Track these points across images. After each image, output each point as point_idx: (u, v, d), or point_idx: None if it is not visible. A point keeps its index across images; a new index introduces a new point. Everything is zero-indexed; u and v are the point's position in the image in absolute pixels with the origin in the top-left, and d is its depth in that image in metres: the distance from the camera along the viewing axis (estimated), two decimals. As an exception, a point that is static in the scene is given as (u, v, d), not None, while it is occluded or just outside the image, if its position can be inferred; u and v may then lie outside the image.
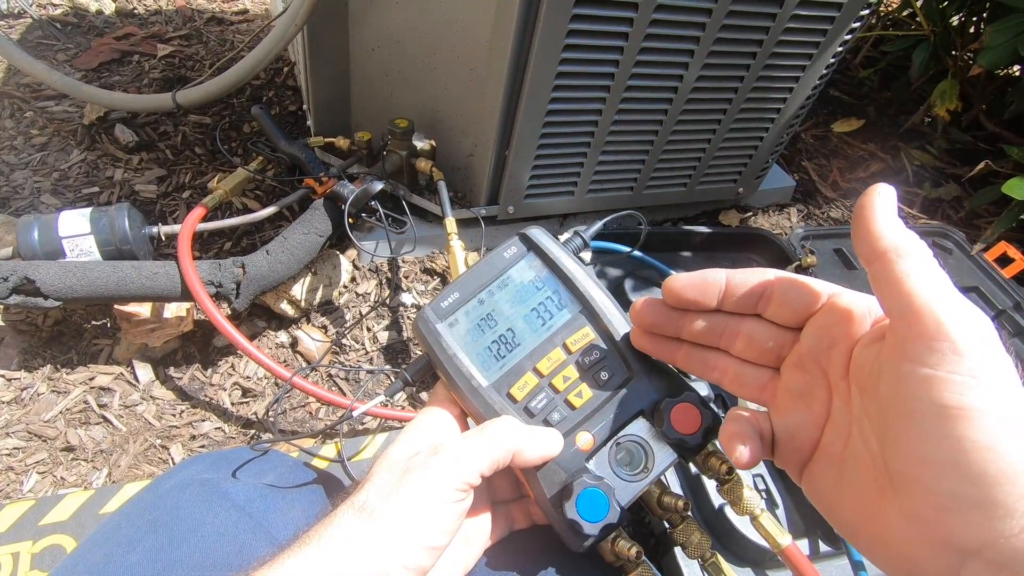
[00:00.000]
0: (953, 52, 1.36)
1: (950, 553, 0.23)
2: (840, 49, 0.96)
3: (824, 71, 0.99)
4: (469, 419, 0.38)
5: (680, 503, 0.36)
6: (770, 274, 0.31)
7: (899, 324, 0.24)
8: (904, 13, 1.54)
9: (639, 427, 0.36)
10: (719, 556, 0.38)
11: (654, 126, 0.95)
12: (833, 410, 0.29)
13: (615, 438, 0.36)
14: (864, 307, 0.28)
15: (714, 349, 0.33)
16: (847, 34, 0.93)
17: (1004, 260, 1.06)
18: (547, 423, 0.36)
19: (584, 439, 0.36)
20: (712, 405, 0.36)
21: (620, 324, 0.38)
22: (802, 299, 0.30)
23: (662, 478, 0.38)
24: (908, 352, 0.24)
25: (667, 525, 0.39)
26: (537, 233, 0.40)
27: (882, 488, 0.25)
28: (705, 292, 0.32)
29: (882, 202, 0.26)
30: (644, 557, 0.36)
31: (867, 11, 0.91)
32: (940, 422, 0.23)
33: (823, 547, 0.66)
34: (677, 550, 0.59)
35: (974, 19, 1.39)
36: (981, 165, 1.21)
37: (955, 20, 1.39)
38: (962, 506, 0.22)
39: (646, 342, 0.35)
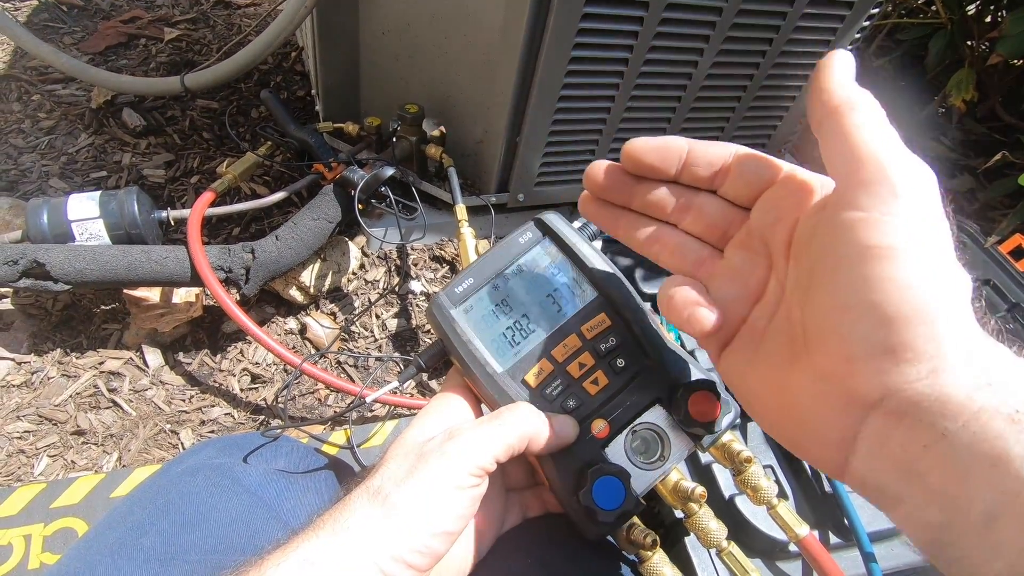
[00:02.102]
0: (970, 41, 1.34)
1: (853, 409, 0.23)
2: (857, 37, 0.94)
3: (840, 59, 0.97)
4: (483, 405, 0.38)
5: (697, 491, 0.36)
6: (732, 147, 0.30)
7: (844, 174, 0.24)
8: (920, 1, 1.51)
9: (655, 415, 0.36)
10: (735, 545, 0.37)
11: (667, 114, 0.94)
12: (768, 288, 0.29)
13: (631, 426, 0.36)
14: (818, 183, 0.28)
15: (659, 222, 0.32)
16: (864, 21, 0.91)
17: (1018, 253, 1.05)
18: (562, 410, 0.36)
19: (599, 426, 0.35)
20: (729, 393, 0.36)
21: (637, 311, 0.37)
22: (760, 172, 0.29)
23: (678, 466, 0.37)
24: (847, 199, 0.24)
25: (681, 515, 0.39)
26: (553, 218, 0.40)
27: (796, 355, 0.25)
28: (666, 158, 0.30)
29: (839, 64, 0.26)
30: (659, 545, 0.36)
31: (885, -3, 0.89)
32: (863, 262, 0.22)
33: (833, 539, 0.65)
34: (688, 540, 0.59)
35: (992, 7, 1.37)
36: (997, 156, 1.20)
37: (972, 9, 1.36)
38: (873, 352, 0.22)
39: (591, 208, 0.34)
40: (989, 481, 0.19)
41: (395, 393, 0.85)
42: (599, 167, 0.32)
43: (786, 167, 0.29)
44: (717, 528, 0.37)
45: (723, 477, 0.65)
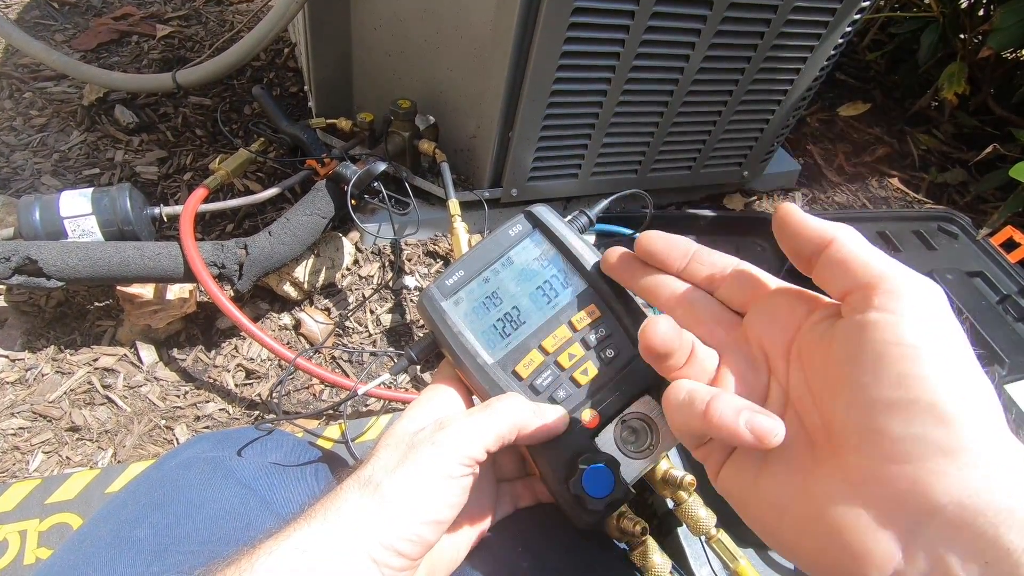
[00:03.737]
0: (962, 35, 1.35)
1: (903, 516, 0.21)
2: (848, 30, 0.95)
3: (831, 53, 0.98)
4: (474, 396, 0.38)
5: (687, 480, 0.36)
6: (732, 259, 0.32)
7: (855, 291, 0.25)
8: (913, -6, 1.51)
9: (645, 405, 0.36)
10: (724, 532, 0.38)
11: (659, 107, 0.94)
12: (770, 393, 0.28)
13: (621, 415, 0.36)
14: (811, 295, 0.29)
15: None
16: (856, 14, 0.92)
17: (1010, 245, 1.06)
18: (553, 400, 0.36)
19: (590, 416, 0.36)
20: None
21: (627, 302, 0.37)
22: (752, 281, 0.31)
23: (667, 456, 0.38)
24: (860, 305, 0.24)
25: (671, 503, 0.39)
26: (543, 211, 0.40)
27: (819, 460, 0.24)
28: (674, 250, 0.32)
29: (799, 209, 0.27)
30: (649, 534, 0.36)
31: (876, -10, 0.90)
32: (897, 361, 0.22)
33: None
34: (681, 529, 0.60)
35: (983, 0, 1.37)
36: (989, 149, 1.20)
37: (964, 2, 1.37)
38: (930, 452, 0.20)
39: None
40: None
41: (388, 387, 0.85)
42: (611, 250, 0.35)
43: (779, 282, 0.30)
44: (706, 516, 0.38)
45: (715, 468, 0.65)
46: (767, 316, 0.29)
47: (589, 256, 0.38)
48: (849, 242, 0.25)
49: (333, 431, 0.81)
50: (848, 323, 0.24)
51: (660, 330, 0.28)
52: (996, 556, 0.19)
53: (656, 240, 0.33)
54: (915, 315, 0.22)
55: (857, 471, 0.22)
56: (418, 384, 0.89)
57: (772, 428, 0.24)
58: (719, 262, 0.32)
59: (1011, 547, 0.19)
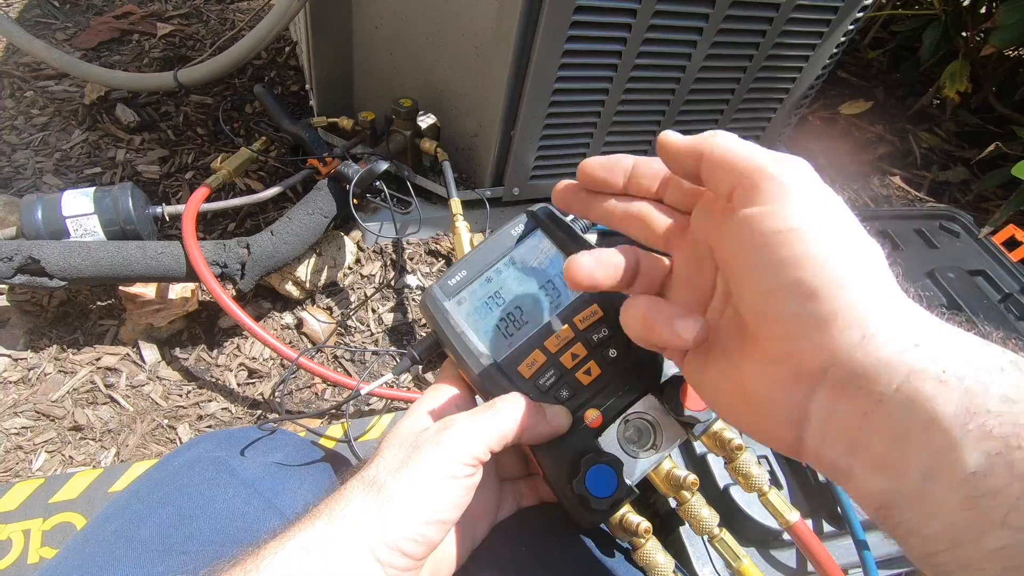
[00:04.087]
0: (964, 32, 1.34)
1: (800, 385, 0.23)
2: (850, 28, 0.94)
3: (833, 51, 0.98)
4: (477, 396, 0.38)
5: (690, 479, 0.36)
6: None
7: (734, 187, 0.26)
8: (915, -8, 1.51)
9: (648, 404, 0.36)
10: (726, 532, 0.38)
11: (661, 106, 0.94)
12: (716, 288, 0.30)
13: (624, 415, 0.36)
14: None
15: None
16: (858, 12, 0.92)
17: (1012, 243, 1.05)
18: (556, 400, 0.36)
19: (592, 416, 0.36)
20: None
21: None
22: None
23: (670, 455, 0.38)
24: (744, 200, 0.25)
25: (674, 503, 0.39)
26: (545, 210, 0.40)
27: (745, 346, 0.26)
28: (612, 171, 0.33)
29: (674, 133, 0.29)
30: (652, 533, 0.36)
31: (879, -12, 0.89)
32: (775, 248, 0.24)
33: (826, 527, 0.66)
34: (683, 529, 0.60)
35: (986, -2, 1.37)
36: (991, 147, 1.20)
37: (966, 0, 1.37)
38: (807, 328, 0.23)
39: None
40: (923, 444, 0.20)
41: (390, 386, 0.85)
42: (559, 185, 0.35)
43: None
44: (709, 515, 0.38)
45: (718, 468, 0.65)
46: (708, 215, 0.30)
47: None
48: (722, 142, 0.27)
49: (336, 430, 0.81)
50: (737, 218, 0.26)
51: (582, 270, 0.30)
52: (871, 406, 0.21)
53: (593, 164, 0.33)
54: (793, 200, 0.24)
55: (767, 353, 0.25)
56: (420, 383, 0.89)
57: (687, 327, 0.27)
58: (661, 168, 0.32)
59: (882, 395, 0.21)
